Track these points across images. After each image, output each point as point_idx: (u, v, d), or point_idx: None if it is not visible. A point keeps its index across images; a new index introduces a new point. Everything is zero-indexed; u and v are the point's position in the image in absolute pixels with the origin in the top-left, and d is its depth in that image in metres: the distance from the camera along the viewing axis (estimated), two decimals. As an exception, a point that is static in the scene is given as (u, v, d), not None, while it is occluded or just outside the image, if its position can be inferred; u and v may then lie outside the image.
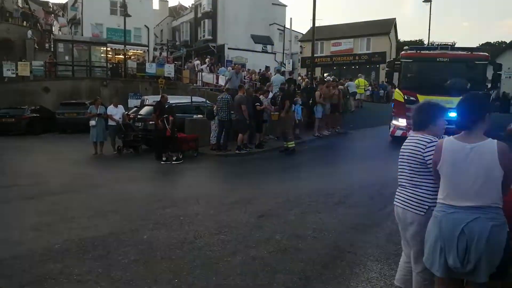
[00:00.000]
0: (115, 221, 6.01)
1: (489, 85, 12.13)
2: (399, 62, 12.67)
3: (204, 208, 6.71)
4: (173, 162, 10.96)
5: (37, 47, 29.84)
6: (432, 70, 12.00)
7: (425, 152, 2.94)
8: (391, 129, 12.35)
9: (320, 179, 9.05)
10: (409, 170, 3.06)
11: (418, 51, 12.78)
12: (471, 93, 2.98)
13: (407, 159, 3.08)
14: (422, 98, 10.60)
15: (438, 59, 11.73)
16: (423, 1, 29.37)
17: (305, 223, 5.84)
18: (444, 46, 12.35)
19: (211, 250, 4.84)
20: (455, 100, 9.90)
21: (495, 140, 2.63)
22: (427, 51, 12.65)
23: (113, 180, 9.37)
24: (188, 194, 7.63)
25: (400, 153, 3.19)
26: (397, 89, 12.59)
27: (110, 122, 12.84)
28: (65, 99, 21.80)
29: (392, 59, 13.69)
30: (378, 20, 39.79)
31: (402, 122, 11.88)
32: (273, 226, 5.69)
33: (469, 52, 11.90)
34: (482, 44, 43.68)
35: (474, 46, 14.32)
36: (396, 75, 13.12)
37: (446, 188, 2.71)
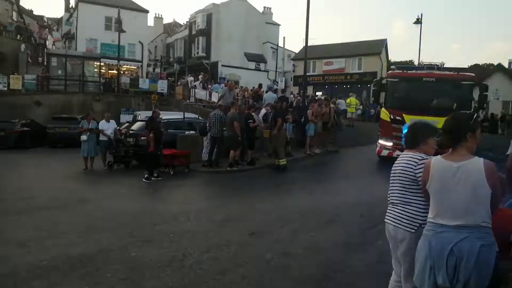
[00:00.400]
0: (104, 238, 5.92)
1: (476, 106, 12.12)
2: (385, 82, 12.72)
3: (194, 225, 6.66)
4: (144, 179, 10.64)
5: (30, 60, 29.83)
6: (418, 90, 11.96)
7: (416, 169, 3.00)
8: (378, 148, 12.27)
9: (311, 197, 9.04)
10: (400, 187, 3.11)
11: (404, 71, 12.78)
12: (454, 113, 3.04)
13: (399, 177, 3.12)
14: (408, 118, 10.76)
15: (424, 79, 11.74)
16: (414, 23, 30.03)
17: (296, 241, 5.82)
18: (430, 66, 12.44)
19: (201, 269, 4.78)
20: (441, 120, 9.98)
21: (481, 159, 2.65)
22: (413, 71, 12.65)
23: (102, 196, 9.27)
24: (178, 211, 7.57)
25: (392, 171, 3.22)
26: (383, 109, 12.53)
27: (102, 137, 12.77)
28: (57, 113, 21.69)
29: (379, 78, 13.68)
30: (370, 41, 40.44)
31: (388, 141, 11.83)
32: (264, 244, 5.65)
33: (455, 73, 11.94)
34: (471, 65, 44.47)
35: (464, 67, 14.45)
36: (383, 94, 13.14)
37: (435, 207, 2.73)
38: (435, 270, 2.64)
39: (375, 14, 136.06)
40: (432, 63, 12.75)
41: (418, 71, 12.35)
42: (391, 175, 3.22)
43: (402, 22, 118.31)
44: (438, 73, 11.97)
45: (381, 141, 12.16)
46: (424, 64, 12.67)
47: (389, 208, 3.23)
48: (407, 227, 3.01)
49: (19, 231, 6.24)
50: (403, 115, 11.26)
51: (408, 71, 12.68)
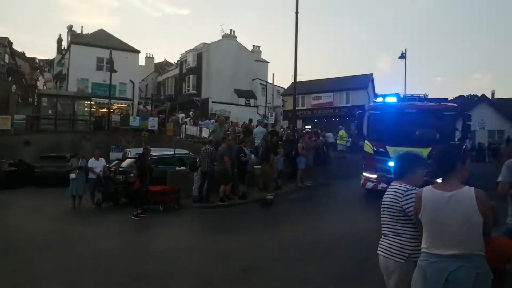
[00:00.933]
0: (91, 278, 5.71)
1: (459, 136, 11.52)
2: (367, 114, 12.48)
3: (185, 262, 6.48)
4: (133, 217, 10.46)
5: (20, 101, 29.85)
6: (400, 121, 11.65)
7: (403, 201, 3.01)
8: (362, 181, 11.91)
9: (305, 231, 8.90)
10: (389, 218, 3.11)
11: (383, 100, 12.43)
12: (443, 145, 3.11)
13: (388, 208, 3.13)
14: (391, 150, 10.69)
15: (405, 110, 11.52)
16: (398, 58, 30.95)
17: (291, 275, 5.67)
18: (411, 98, 12.31)
19: (191, 307, 4.61)
20: (425, 151, 9.78)
21: (472, 188, 2.67)
22: (395, 103, 12.30)
23: (90, 235, 9.02)
24: (169, 248, 7.39)
25: (382, 203, 3.22)
26: (366, 141, 12.20)
27: (90, 175, 12.61)
28: (46, 152, 21.47)
29: (360, 111, 13.31)
30: (356, 76, 41.45)
31: (372, 174, 11.52)
32: (258, 281, 5.50)
33: (437, 103, 11.81)
34: (456, 97, 45.65)
35: (446, 98, 13.69)
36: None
37: (428, 236, 2.71)
38: None
39: (361, 50, 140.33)
40: (414, 95, 12.58)
41: (400, 103, 12.12)
42: (382, 206, 3.22)
43: (387, 57, 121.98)
44: (419, 104, 11.88)
45: (365, 174, 11.87)
46: (405, 95, 12.43)
47: (381, 239, 3.22)
48: (396, 257, 3.01)
49: None
50: (386, 147, 11.09)
51: (390, 103, 12.33)
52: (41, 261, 6.80)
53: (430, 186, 2.83)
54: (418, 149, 9.81)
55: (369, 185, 11.47)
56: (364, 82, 39.52)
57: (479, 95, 48.00)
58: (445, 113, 11.20)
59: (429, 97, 13.09)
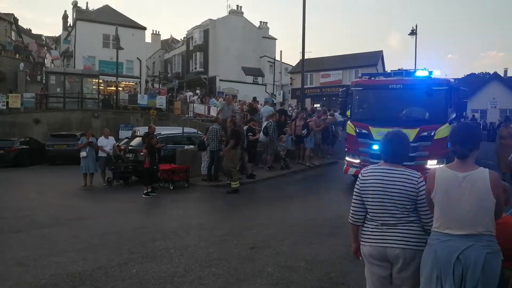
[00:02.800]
0: (104, 254, 5.87)
1: (454, 115, 10.33)
2: (350, 91, 11.25)
3: (194, 240, 6.61)
4: (144, 195, 10.66)
5: (29, 79, 29.98)
6: (385, 99, 10.66)
7: (419, 190, 2.87)
8: (344, 166, 11.00)
9: (312, 210, 9.01)
10: (400, 207, 2.88)
11: (371, 78, 11.25)
12: (465, 123, 3.04)
13: (397, 196, 2.88)
14: (375, 131, 9.76)
15: (390, 86, 10.29)
16: (409, 34, 30.34)
17: (298, 254, 5.77)
18: (398, 72, 10.99)
19: (202, 284, 4.74)
20: (412, 132, 9.24)
21: (487, 169, 2.68)
22: (380, 78, 11.19)
23: (102, 213, 9.22)
24: (178, 226, 7.53)
25: (374, 187, 2.95)
26: (349, 122, 11.13)
27: (101, 154, 12.76)
28: (56, 130, 21.73)
29: (344, 88, 11.96)
30: (366, 53, 40.85)
31: (355, 158, 10.62)
32: (265, 258, 5.61)
33: (426, 78, 10.32)
34: (467, 75, 44.94)
35: (459, 76, 13.20)
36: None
37: (440, 216, 2.72)
38: (442, 279, 2.62)
39: (371, 26, 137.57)
40: (401, 68, 11.31)
41: (384, 78, 10.99)
42: (374, 191, 2.94)
43: (398, 34, 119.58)
44: (405, 79, 10.53)
45: (347, 158, 10.93)
46: (393, 70, 11.15)
47: (380, 229, 2.93)
48: (416, 245, 2.86)
49: (18, 249, 6.18)
50: (369, 127, 10.06)
51: (374, 78, 11.20)
52: (58, 236, 7.00)
53: (443, 165, 2.82)
54: (405, 130, 9.48)
55: (352, 170, 10.59)
56: (373, 59, 38.98)
57: (491, 72, 47.19)
58: (434, 88, 9.89)
59: (441, 76, 12.47)
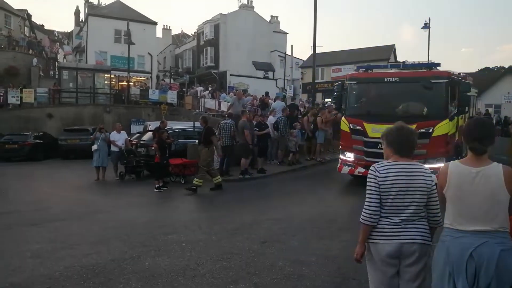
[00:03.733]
0: (117, 247, 5.94)
1: (456, 109, 9.67)
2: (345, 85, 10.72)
3: (206, 234, 6.66)
4: (155, 189, 10.71)
5: (42, 74, 30.30)
6: (381, 93, 10.27)
7: (432, 182, 2.85)
8: (338, 165, 10.50)
9: (322, 205, 8.99)
10: (421, 202, 2.83)
11: (366, 71, 10.71)
12: (480, 118, 2.97)
13: (420, 191, 2.81)
14: (369, 127, 9.42)
15: (386, 79, 9.79)
16: (422, 28, 29.95)
17: (309, 249, 5.77)
18: (395, 64, 10.68)
19: (214, 278, 4.77)
20: None
21: (501, 164, 2.63)
22: (376, 71, 10.71)
23: (114, 206, 9.33)
24: (190, 220, 7.58)
25: (401, 184, 2.82)
26: (343, 117, 10.60)
27: (113, 148, 12.89)
28: (69, 125, 21.99)
29: (340, 81, 11.36)
30: (378, 47, 40.42)
31: (349, 156, 10.08)
32: (276, 252, 5.62)
33: (425, 70, 9.93)
34: (481, 69, 44.18)
35: (473, 71, 12.10)
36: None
37: (452, 212, 2.68)
38: (455, 276, 2.59)
39: (383, 20, 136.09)
40: (399, 61, 10.96)
41: (380, 71, 10.58)
42: (398, 188, 2.81)
43: (410, 27, 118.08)
44: (402, 71, 10.09)
45: (341, 156, 10.41)
46: (389, 63, 11.18)
47: (398, 226, 2.83)
48: (429, 240, 2.87)
49: (33, 242, 6.29)
50: (364, 123, 9.61)
51: (370, 71, 10.69)
52: (72, 229, 7.11)
53: (456, 160, 2.76)
54: None
55: (345, 169, 10.14)
56: (386, 53, 38.57)
57: (506, 66, 46.34)
58: (433, 81, 9.28)
59: (455, 70, 12.02)
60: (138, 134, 16.63)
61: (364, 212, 2.87)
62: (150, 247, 5.94)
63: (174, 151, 12.15)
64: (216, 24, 42.88)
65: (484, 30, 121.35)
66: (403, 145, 2.93)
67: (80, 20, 45.02)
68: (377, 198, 2.86)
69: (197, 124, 15.97)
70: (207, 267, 5.08)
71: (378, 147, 8.66)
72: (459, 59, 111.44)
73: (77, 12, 47.37)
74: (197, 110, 24.93)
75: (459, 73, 10.47)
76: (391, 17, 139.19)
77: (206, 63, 43.60)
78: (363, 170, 9.42)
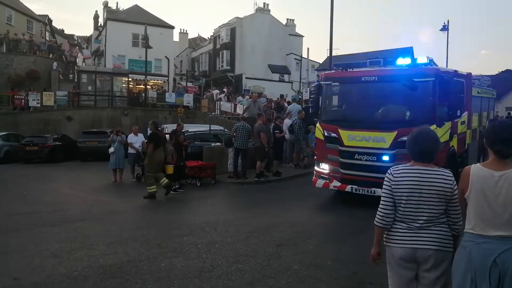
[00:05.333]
0: (133, 248, 6.01)
1: (446, 112, 7.93)
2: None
3: (221, 236, 6.68)
4: (172, 191, 10.63)
5: (61, 78, 30.97)
6: (358, 95, 9.16)
7: (454, 189, 2.79)
8: (313, 177, 9.26)
9: (338, 208, 8.91)
10: (436, 208, 2.79)
11: (347, 69, 9.30)
12: (503, 121, 2.90)
13: (435, 197, 2.77)
14: (345, 135, 8.27)
15: (363, 79, 8.47)
16: (440, 30, 29.55)
17: (324, 252, 5.74)
18: (375, 61, 9.20)
19: (229, 280, 4.78)
20: (388, 136, 7.07)
21: None
22: (353, 70, 9.34)
23: (131, 208, 9.44)
24: (205, 222, 7.61)
25: (413, 189, 2.80)
26: (318, 123, 9.33)
27: (130, 150, 13.05)
28: (87, 127, 22.40)
29: (317, 82, 10.05)
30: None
31: (324, 168, 8.86)
32: (292, 256, 5.61)
33: (408, 66, 8.35)
34: (502, 71, 43.22)
35: (494, 73, 9.57)
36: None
37: (474, 217, 2.62)
38: (477, 283, 2.52)
39: (400, 22, 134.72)
40: (380, 57, 9.28)
41: (358, 70, 9.25)
42: (409, 193, 2.80)
43: (428, 29, 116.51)
44: (382, 69, 8.80)
45: (316, 168, 9.22)
46: (369, 59, 9.16)
47: (412, 231, 2.82)
48: (447, 247, 2.81)
49: (52, 242, 6.41)
50: (339, 130, 8.38)
51: (347, 70, 9.31)
52: (90, 230, 7.22)
53: (478, 164, 2.70)
54: (380, 134, 7.71)
55: (320, 183, 8.96)
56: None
57: (529, 69, 45.15)
58: (417, 80, 7.75)
59: (475, 72, 10.63)
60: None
61: (377, 214, 2.93)
62: (166, 248, 5.99)
63: (190, 153, 12.24)
64: (232, 27, 43.13)
65: (504, 31, 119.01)
66: (418, 150, 2.90)
67: (99, 25, 45.85)
68: (390, 201, 2.88)
69: (214, 127, 16.10)
70: (223, 269, 5.09)
71: (355, 157, 8.17)
72: (479, 61, 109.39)
73: (96, 17, 48.28)
74: (213, 113, 25.09)
75: (455, 70, 9.01)
76: (409, 19, 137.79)
77: (222, 66, 43.86)
78: (338, 184, 8.56)
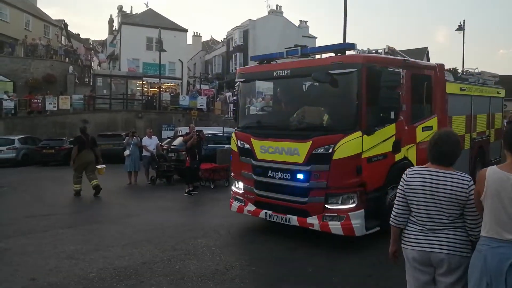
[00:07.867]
0: (148, 250, 6.05)
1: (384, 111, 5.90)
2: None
3: (235, 239, 6.68)
4: (185, 193, 10.91)
5: (77, 81, 31.46)
6: (273, 95, 7.72)
7: (469, 193, 2.72)
8: (230, 199, 7.59)
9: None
10: (447, 213, 2.74)
11: (263, 63, 7.48)
12: None
13: (445, 201, 2.73)
14: (257, 146, 6.58)
15: (275, 74, 6.70)
16: (456, 30, 29.12)
17: (338, 256, 5.70)
18: (292, 50, 6.97)
19: (243, 282, 4.77)
20: (302, 148, 5.87)
21: None
22: (267, 63, 7.42)
23: (146, 210, 9.51)
24: (219, 224, 7.62)
25: (423, 192, 2.79)
26: (233, 132, 7.71)
27: (145, 153, 13.16)
28: (103, 130, 22.66)
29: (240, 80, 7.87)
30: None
31: (239, 187, 7.19)
32: (305, 259, 5.57)
33: (325, 58, 6.65)
34: (520, 71, 42.37)
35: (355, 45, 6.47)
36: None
37: (490, 220, 2.56)
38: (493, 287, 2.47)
39: (415, 22, 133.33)
40: (299, 45, 7.00)
41: (273, 63, 7.30)
42: (420, 195, 2.80)
43: (444, 29, 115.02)
44: (296, 61, 6.89)
45: (232, 187, 7.56)
46: (286, 48, 7.18)
47: (424, 234, 2.80)
48: (463, 252, 2.74)
49: (68, 244, 6.49)
50: (252, 140, 6.71)
51: (263, 64, 7.45)
52: (105, 232, 7.30)
53: (495, 166, 2.63)
54: (294, 145, 6.00)
55: (235, 206, 7.25)
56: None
57: (547, 68, 44.14)
58: (333, 72, 5.85)
59: (472, 69, 9.46)
60: (168, 139, 16.92)
61: (391, 213, 3.03)
62: (180, 250, 6.01)
63: (204, 155, 12.28)
64: (245, 30, 43.24)
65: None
66: (435, 152, 2.85)
67: (114, 29, 46.45)
68: (403, 201, 2.94)
69: (227, 129, 16.12)
70: (236, 272, 5.09)
71: (269, 174, 6.35)
72: (497, 61, 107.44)
73: (111, 21, 48.95)
74: (226, 116, 25.14)
75: (404, 59, 6.82)
76: (425, 19, 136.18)
77: (236, 68, 43.97)
78: (253, 208, 6.74)
